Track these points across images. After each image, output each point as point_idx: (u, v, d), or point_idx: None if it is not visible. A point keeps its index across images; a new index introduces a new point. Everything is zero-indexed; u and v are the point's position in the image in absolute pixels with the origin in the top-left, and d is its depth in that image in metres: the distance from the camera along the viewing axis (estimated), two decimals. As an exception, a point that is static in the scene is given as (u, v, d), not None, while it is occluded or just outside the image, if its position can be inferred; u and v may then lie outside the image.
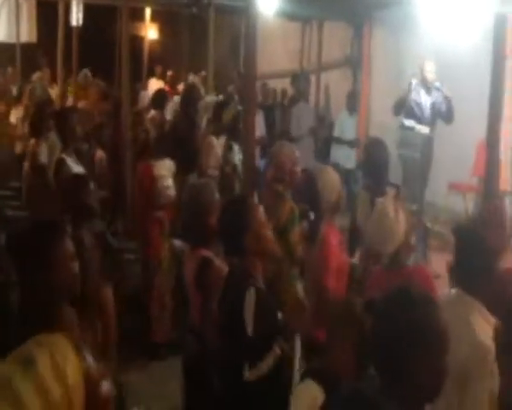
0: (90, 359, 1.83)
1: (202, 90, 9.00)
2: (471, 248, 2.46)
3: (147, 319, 4.88)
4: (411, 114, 6.48)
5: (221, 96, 8.60)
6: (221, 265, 3.01)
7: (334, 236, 3.37)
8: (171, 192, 4.96)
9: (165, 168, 4.98)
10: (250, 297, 2.52)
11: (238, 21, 11.81)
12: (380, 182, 4.11)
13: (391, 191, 4.03)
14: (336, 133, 8.67)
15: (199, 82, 9.96)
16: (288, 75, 9.81)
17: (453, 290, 2.47)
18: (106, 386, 1.86)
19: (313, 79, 9.64)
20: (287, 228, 3.55)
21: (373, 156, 4.21)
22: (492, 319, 2.41)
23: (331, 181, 3.47)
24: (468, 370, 2.23)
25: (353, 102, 8.74)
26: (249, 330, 2.50)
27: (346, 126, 8.56)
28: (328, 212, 3.42)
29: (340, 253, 3.37)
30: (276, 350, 2.71)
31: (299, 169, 3.74)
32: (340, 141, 8.54)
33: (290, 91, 9.59)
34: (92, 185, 3.48)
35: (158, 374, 4.30)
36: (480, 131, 5.86)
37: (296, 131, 8.14)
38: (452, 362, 1.99)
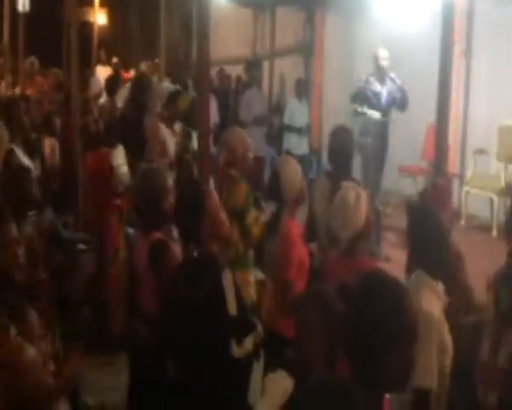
0: (12, 330, 1.98)
1: (155, 78, 8.90)
2: (426, 227, 2.53)
3: (101, 309, 4.81)
4: (366, 102, 6.54)
5: (177, 86, 8.49)
6: (176, 248, 3.00)
7: (295, 228, 3.38)
8: (127, 179, 4.91)
9: (120, 156, 4.93)
10: (227, 279, 2.54)
11: (190, 6, 11.68)
12: (342, 169, 4.10)
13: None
14: (286, 120, 8.63)
15: (151, 68, 9.82)
16: (241, 61, 9.78)
17: (414, 273, 2.53)
18: (29, 353, 2.00)
19: (266, 65, 9.64)
20: (243, 211, 3.57)
21: (337, 144, 4.20)
22: (445, 298, 2.49)
23: (293, 172, 3.46)
24: None
25: (302, 89, 8.73)
26: (232, 309, 2.52)
27: (295, 113, 8.53)
28: (291, 203, 3.40)
29: (302, 245, 3.37)
30: (259, 329, 2.74)
31: (250, 153, 3.75)
32: (289, 128, 8.55)
33: (244, 77, 9.58)
34: (35, 176, 3.42)
35: (112, 365, 4.25)
36: (429, 114, 6.00)
37: (245, 116, 8.13)
38: None
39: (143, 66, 10.56)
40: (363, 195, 2.97)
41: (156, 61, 10.12)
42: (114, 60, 11.95)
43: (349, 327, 1.66)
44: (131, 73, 10.40)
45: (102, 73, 10.58)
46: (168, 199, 3.05)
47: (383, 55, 6.51)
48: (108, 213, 4.88)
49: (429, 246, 2.48)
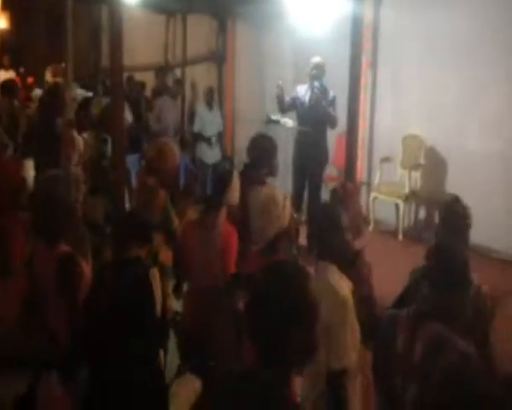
0: None
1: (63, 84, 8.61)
2: (326, 223, 2.70)
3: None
4: (291, 110, 6.57)
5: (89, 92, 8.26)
6: (82, 261, 2.91)
7: (234, 230, 3.45)
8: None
9: (30, 167, 4.78)
10: (155, 278, 2.49)
11: (98, 11, 11.42)
12: (254, 170, 4.13)
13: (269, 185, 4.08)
14: (196, 128, 8.57)
15: (56, 72, 9.50)
16: (152, 68, 9.69)
17: (317, 262, 2.68)
18: None
19: (179, 72, 9.62)
20: (165, 219, 3.55)
21: (255, 147, 4.24)
22: (350, 283, 2.65)
23: (237, 186, 3.53)
24: (330, 319, 2.44)
25: (212, 97, 8.69)
26: (158, 309, 2.47)
27: (205, 122, 8.47)
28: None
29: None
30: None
31: (175, 164, 3.73)
32: (199, 137, 8.52)
33: (152, 84, 9.50)
34: None
35: (11, 386, 4.01)
36: (339, 124, 6.21)
37: (156, 124, 8.06)
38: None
39: (49, 70, 10.17)
40: (287, 199, 3.07)
41: (62, 65, 9.81)
42: (21, 70, 11.52)
43: (253, 313, 1.73)
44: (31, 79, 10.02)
45: (4, 78, 10.15)
46: (72, 209, 2.94)
47: (312, 63, 6.49)
48: (14, 226, 4.70)
49: (330, 238, 2.66)
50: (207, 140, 8.38)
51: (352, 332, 2.58)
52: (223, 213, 3.35)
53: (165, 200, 3.63)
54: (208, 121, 8.48)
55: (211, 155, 8.48)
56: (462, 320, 2.39)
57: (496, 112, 6.45)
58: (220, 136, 8.77)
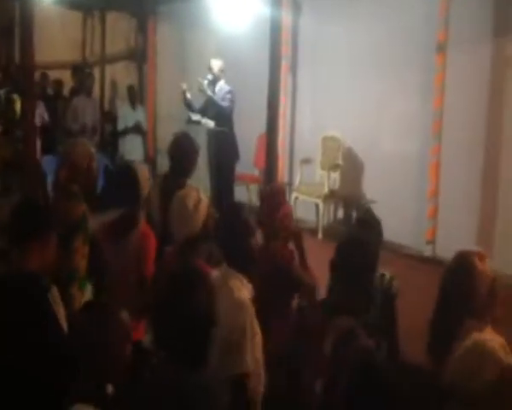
0: None
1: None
2: (229, 227, 2.71)
3: None
4: (202, 110, 6.72)
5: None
6: None
7: (151, 231, 3.39)
8: None
9: None
10: (54, 298, 2.33)
11: (11, 7, 10.96)
12: (179, 173, 4.08)
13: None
14: (120, 127, 8.55)
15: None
16: (69, 66, 9.42)
17: (221, 267, 2.67)
18: None
19: (97, 71, 9.40)
20: (74, 232, 3.34)
21: (176, 148, 4.20)
22: (250, 286, 2.63)
23: (145, 177, 3.47)
24: (231, 324, 2.43)
25: (134, 96, 8.68)
26: (65, 327, 2.31)
27: (129, 119, 8.49)
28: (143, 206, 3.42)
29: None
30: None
31: (94, 167, 3.58)
32: (125, 132, 8.45)
33: (70, 83, 9.25)
34: None
35: None
36: (260, 125, 6.27)
37: (72, 124, 7.89)
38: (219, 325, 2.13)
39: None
40: (204, 200, 3.01)
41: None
42: None
43: (159, 321, 1.91)
44: None
45: None
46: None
47: (215, 64, 6.70)
48: None
49: (234, 241, 2.66)
50: (133, 129, 8.35)
51: (252, 337, 2.54)
52: (140, 216, 3.28)
53: (83, 212, 3.46)
54: (131, 119, 8.46)
55: (133, 152, 8.39)
56: (370, 311, 2.46)
57: (409, 115, 6.72)
58: (142, 128, 8.71)
